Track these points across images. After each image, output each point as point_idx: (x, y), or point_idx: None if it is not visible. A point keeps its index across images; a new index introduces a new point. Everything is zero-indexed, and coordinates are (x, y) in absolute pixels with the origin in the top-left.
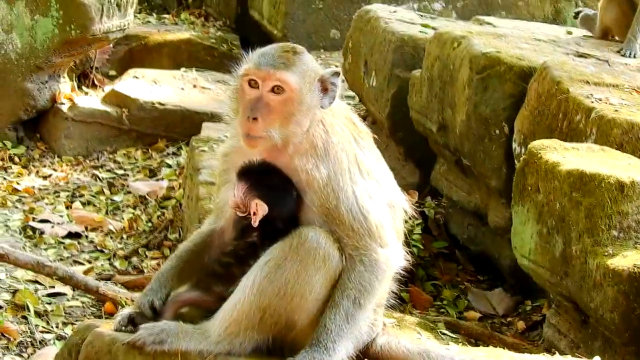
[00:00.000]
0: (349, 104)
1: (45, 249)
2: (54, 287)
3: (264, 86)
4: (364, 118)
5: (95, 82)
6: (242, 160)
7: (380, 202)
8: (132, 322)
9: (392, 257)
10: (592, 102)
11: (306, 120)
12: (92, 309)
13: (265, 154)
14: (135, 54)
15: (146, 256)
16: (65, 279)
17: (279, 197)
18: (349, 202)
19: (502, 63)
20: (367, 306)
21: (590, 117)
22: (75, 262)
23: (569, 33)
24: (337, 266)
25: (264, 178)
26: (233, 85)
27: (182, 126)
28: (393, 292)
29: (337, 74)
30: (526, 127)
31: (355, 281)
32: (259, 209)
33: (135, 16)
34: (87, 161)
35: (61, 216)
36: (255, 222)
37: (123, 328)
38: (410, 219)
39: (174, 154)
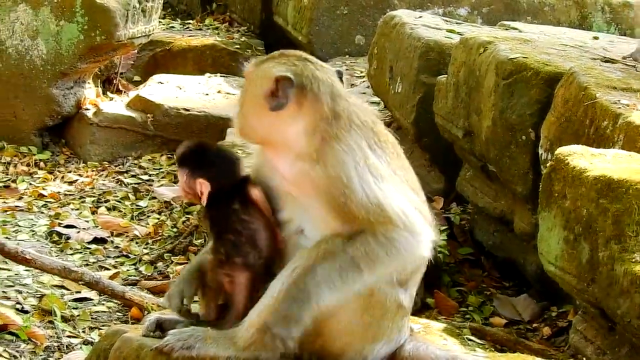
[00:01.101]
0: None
1: (71, 254)
2: (80, 292)
3: None
4: (389, 124)
5: (120, 87)
6: (272, 172)
7: (398, 195)
8: (160, 327)
9: (413, 240)
10: (619, 108)
11: (261, 119)
12: (118, 314)
13: (272, 158)
14: (160, 59)
15: (172, 261)
16: (92, 284)
17: (219, 169)
18: (358, 197)
19: (529, 68)
20: (366, 275)
21: (618, 123)
22: (101, 267)
23: (596, 38)
24: None
25: (199, 158)
26: None
27: (206, 132)
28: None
29: (287, 79)
30: (553, 133)
31: (361, 249)
32: (203, 188)
33: (159, 22)
34: (112, 167)
35: (87, 221)
36: (204, 202)
37: (151, 333)
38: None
39: None
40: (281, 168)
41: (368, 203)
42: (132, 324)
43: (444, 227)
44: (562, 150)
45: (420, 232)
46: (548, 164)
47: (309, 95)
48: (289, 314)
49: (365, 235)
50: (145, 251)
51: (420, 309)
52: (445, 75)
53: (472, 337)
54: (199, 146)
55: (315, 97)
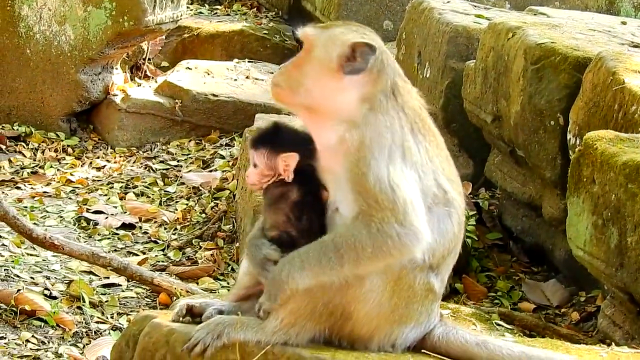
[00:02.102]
0: None
1: (100, 240)
2: (108, 278)
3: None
4: None
5: (148, 73)
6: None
7: (415, 188)
8: (191, 313)
9: (406, 238)
10: None
11: (324, 82)
12: (147, 299)
13: (308, 121)
14: (188, 45)
15: (200, 247)
16: (120, 270)
17: (303, 143)
18: (379, 173)
19: (557, 54)
20: (347, 267)
21: None
22: (130, 253)
23: (624, 23)
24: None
25: (279, 134)
26: None
27: (235, 118)
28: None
29: (369, 46)
30: (581, 118)
31: (350, 239)
32: (290, 160)
33: (187, 7)
34: (141, 152)
35: (115, 207)
36: (289, 176)
37: (181, 319)
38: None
39: (227, 145)
40: (320, 136)
41: (385, 180)
42: (161, 309)
43: (472, 213)
44: (590, 135)
45: (416, 232)
46: (577, 149)
47: (377, 66)
48: (316, 298)
49: (359, 226)
50: (174, 237)
51: (449, 295)
52: (474, 61)
53: (501, 322)
54: (275, 124)
55: (382, 69)
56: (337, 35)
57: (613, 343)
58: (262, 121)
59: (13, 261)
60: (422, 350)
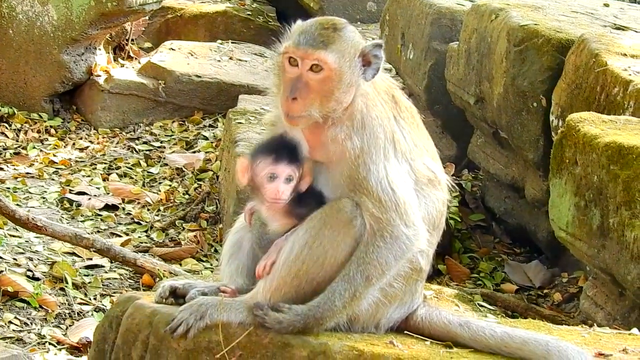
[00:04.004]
0: None
1: (82, 221)
2: (91, 259)
3: (303, 65)
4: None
5: (131, 54)
6: (288, 128)
7: (410, 184)
8: (174, 294)
9: (413, 238)
10: (630, 74)
11: (348, 96)
12: (130, 281)
13: (306, 130)
14: (171, 25)
15: (183, 228)
16: (103, 251)
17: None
18: (379, 175)
19: (540, 35)
20: (377, 285)
21: (628, 90)
22: (113, 234)
23: (606, 5)
24: None
25: (292, 147)
26: (274, 60)
27: (218, 98)
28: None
29: (378, 45)
30: (564, 99)
31: (373, 256)
32: (310, 170)
33: None
34: (124, 133)
35: (98, 188)
36: (306, 186)
37: (164, 300)
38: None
39: (210, 126)
40: (319, 137)
41: (385, 182)
42: (144, 290)
43: (455, 194)
44: (573, 117)
45: (417, 230)
46: (559, 131)
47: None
48: (300, 276)
49: (375, 239)
50: (157, 218)
51: (431, 276)
52: (457, 42)
53: (484, 303)
54: (286, 138)
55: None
56: (351, 51)
57: (595, 324)
58: (246, 102)
59: None
60: (405, 332)
